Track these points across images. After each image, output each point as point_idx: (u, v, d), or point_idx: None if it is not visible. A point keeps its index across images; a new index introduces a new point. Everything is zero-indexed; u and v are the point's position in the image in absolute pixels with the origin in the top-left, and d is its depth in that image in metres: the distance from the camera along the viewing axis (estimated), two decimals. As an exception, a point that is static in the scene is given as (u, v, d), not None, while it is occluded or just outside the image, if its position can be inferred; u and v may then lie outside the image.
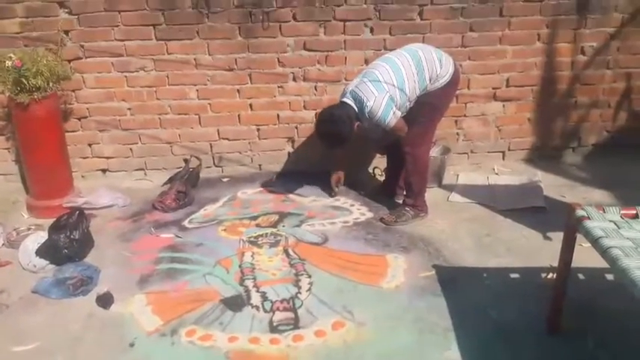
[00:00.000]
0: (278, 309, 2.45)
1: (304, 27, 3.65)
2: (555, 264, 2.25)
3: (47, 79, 3.22)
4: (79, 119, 3.80)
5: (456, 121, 3.96)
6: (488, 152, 4.08)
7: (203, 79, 3.75)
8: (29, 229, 3.18)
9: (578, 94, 3.97)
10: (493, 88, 3.90)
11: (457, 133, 4.00)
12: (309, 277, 2.69)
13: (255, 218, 3.31)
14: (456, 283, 2.62)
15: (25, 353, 2.24)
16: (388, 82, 2.97)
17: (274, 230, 3.16)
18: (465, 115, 3.95)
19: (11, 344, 2.29)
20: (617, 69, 3.93)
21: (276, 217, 3.32)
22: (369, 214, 3.35)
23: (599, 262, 2.18)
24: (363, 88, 3.00)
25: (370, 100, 2.95)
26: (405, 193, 3.31)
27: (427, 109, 3.12)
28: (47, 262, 2.81)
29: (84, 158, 3.90)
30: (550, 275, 2.62)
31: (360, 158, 3.97)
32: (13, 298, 2.60)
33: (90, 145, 3.88)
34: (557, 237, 2.42)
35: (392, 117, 2.97)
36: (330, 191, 3.60)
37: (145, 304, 2.52)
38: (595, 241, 1.91)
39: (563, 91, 3.95)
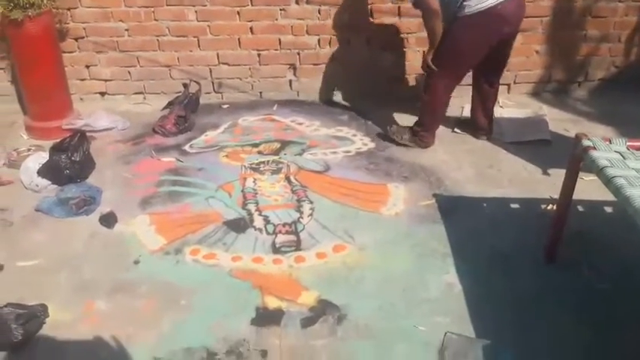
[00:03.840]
0: (280, 232, 2.48)
1: (309, -55, 3.48)
2: (556, 196, 2.25)
3: (41, -5, 3.10)
4: (76, 39, 3.69)
5: (462, 52, 3.86)
6: (494, 85, 3.99)
7: (202, 0, 3.61)
8: (29, 149, 3.15)
9: (588, 27, 3.85)
10: (502, 18, 3.77)
11: (463, 65, 3.90)
12: (311, 203, 2.71)
13: (256, 145, 3.29)
14: (455, 212, 2.64)
15: (30, 268, 2.28)
16: None
17: (276, 158, 3.14)
18: (472, 46, 3.84)
19: (16, 259, 2.33)
20: (630, 1, 3.79)
21: (277, 145, 3.29)
22: (372, 145, 3.32)
23: (599, 195, 2.21)
24: None
25: None
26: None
27: (449, 41, 2.89)
28: (49, 182, 2.81)
29: (82, 80, 3.82)
30: (550, 207, 2.64)
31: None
32: (15, 215, 2.62)
33: (87, 67, 3.78)
34: (558, 171, 2.41)
35: None
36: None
37: (148, 224, 2.55)
38: (600, 171, 1.91)
39: (573, 23, 3.83)
